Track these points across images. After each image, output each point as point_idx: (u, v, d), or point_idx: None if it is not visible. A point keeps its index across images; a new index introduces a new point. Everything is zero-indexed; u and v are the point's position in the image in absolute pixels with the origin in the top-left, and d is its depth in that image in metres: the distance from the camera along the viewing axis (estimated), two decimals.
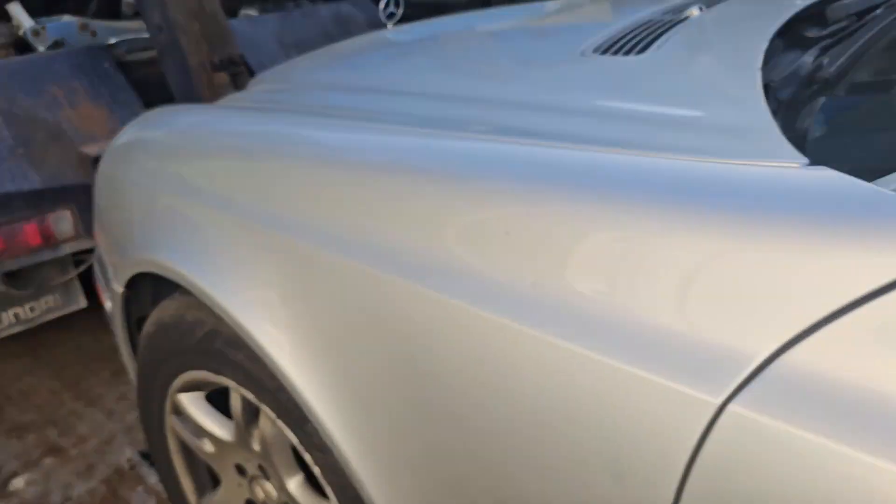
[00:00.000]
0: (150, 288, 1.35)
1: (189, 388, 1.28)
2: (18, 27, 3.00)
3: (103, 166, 1.44)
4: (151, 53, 3.18)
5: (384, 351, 0.84)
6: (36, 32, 2.98)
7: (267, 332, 0.93)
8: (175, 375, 1.27)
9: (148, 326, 1.28)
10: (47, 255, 2.58)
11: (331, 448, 0.95)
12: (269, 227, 0.94)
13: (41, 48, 2.98)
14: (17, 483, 2.20)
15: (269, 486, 1.25)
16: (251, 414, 1.17)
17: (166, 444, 1.40)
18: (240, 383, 1.12)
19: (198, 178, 1.10)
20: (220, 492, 1.36)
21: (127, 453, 2.27)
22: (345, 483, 0.96)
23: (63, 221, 2.58)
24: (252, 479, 1.28)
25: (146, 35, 3.23)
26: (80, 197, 2.58)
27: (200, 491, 1.43)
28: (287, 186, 0.95)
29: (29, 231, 2.52)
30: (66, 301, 2.82)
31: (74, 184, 2.56)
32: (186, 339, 1.17)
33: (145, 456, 1.76)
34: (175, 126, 1.33)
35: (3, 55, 2.87)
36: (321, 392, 0.91)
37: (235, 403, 1.16)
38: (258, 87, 1.75)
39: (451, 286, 0.76)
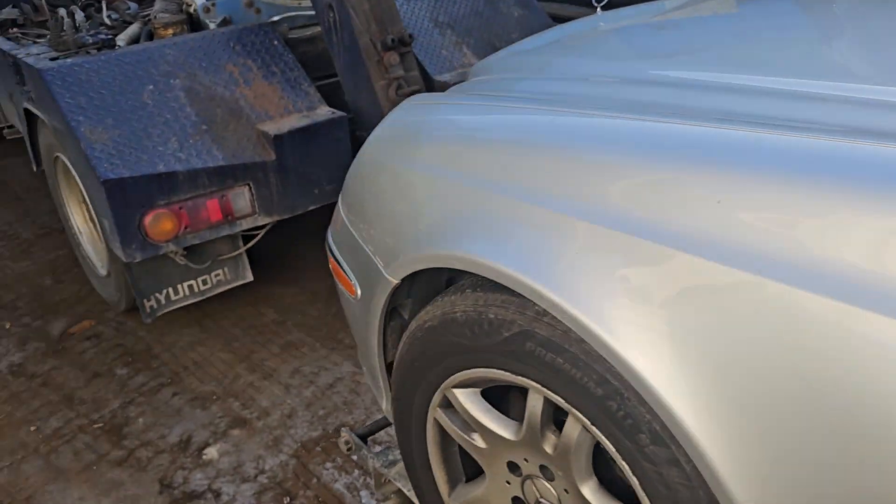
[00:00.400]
0: (410, 280, 1.35)
1: (467, 384, 1.27)
2: (189, 4, 3.05)
3: (371, 155, 1.43)
4: (313, 31, 3.21)
5: (788, 371, 0.80)
6: (207, 9, 3.02)
7: (633, 344, 0.90)
8: (455, 371, 1.26)
9: (426, 320, 1.28)
10: (225, 231, 2.64)
11: (687, 463, 0.92)
12: (638, 235, 0.90)
13: (212, 25, 3.02)
14: (211, 453, 2.27)
15: (547, 487, 1.24)
16: (548, 416, 1.16)
17: (423, 434, 1.40)
18: (549, 387, 1.10)
19: (519, 174, 1.08)
20: (483, 486, 1.35)
21: (316, 430, 2.31)
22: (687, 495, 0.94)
23: (241, 198, 2.63)
24: (527, 478, 1.27)
25: (306, 12, 3.26)
26: (256, 174, 2.62)
27: (453, 483, 1.43)
28: (664, 193, 0.91)
29: (211, 207, 2.58)
30: (234, 275, 2.89)
31: (253, 161, 2.60)
32: (485, 337, 1.15)
33: (363, 438, 1.78)
34: (462, 117, 1.30)
35: (178, 31, 2.93)
36: (697, 410, 0.87)
37: (535, 405, 1.14)
38: (487, 76, 1.71)
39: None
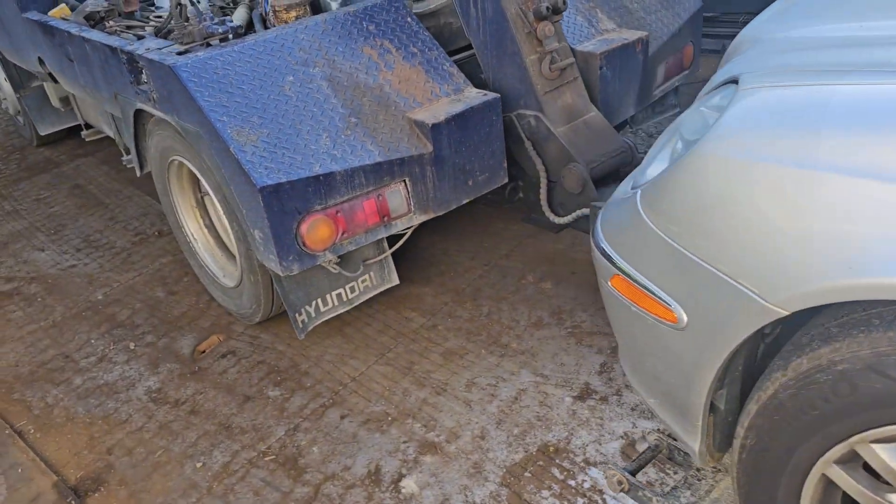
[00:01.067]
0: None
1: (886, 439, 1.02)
2: None
3: (723, 155, 1.16)
4: (436, 3, 2.91)
5: None
6: None
7: None
8: (882, 424, 1.01)
9: (835, 361, 1.03)
10: (381, 234, 2.39)
11: None
12: None
13: (334, 5, 2.73)
14: (409, 486, 2.05)
15: None
16: None
17: (796, 490, 1.16)
18: None
19: None
20: None
21: (518, 453, 2.07)
22: None
23: (396, 196, 2.37)
24: None
25: None
26: (413, 168, 2.36)
27: None
28: None
29: (367, 209, 2.33)
30: (381, 279, 2.65)
31: (410, 155, 2.33)
32: None
33: (633, 473, 1.55)
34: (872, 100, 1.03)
35: (301, 14, 2.64)
36: None
37: None
38: (779, 50, 1.42)
39: None
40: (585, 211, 2.50)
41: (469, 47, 2.87)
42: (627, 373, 1.58)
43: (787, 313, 1.07)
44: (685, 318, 1.24)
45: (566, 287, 2.78)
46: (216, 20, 2.52)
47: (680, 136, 1.36)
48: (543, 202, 2.63)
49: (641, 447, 1.98)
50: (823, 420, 1.07)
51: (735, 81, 1.28)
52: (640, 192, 1.33)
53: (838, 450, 1.08)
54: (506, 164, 2.59)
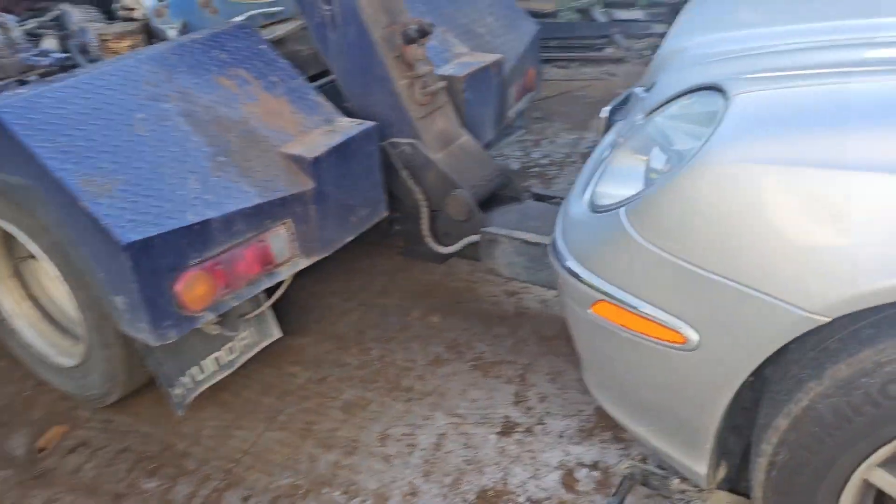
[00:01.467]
0: None
1: None
2: (132, 8, 2.40)
3: (730, 162, 1.09)
4: (284, 29, 2.69)
5: None
6: (160, 13, 2.40)
7: None
8: None
9: (885, 364, 1.00)
10: (264, 284, 2.13)
11: None
12: None
13: (171, 32, 2.41)
14: None
15: None
16: None
17: (831, 493, 1.13)
18: None
19: None
20: None
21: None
22: None
23: (279, 240, 2.13)
24: None
25: (270, 9, 2.74)
26: (295, 208, 2.14)
27: None
28: None
29: (249, 257, 2.06)
30: (262, 335, 2.37)
31: (291, 193, 2.10)
32: None
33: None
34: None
35: (135, 43, 2.29)
36: None
37: None
38: (714, 60, 1.42)
39: None
40: (475, 238, 2.41)
41: (321, 75, 2.69)
42: (606, 405, 1.50)
43: (828, 320, 1.03)
44: (696, 337, 1.17)
45: (455, 318, 2.67)
46: (35, 51, 2.12)
47: (658, 147, 1.30)
48: (426, 233, 2.51)
49: (617, 479, 1.88)
50: (871, 424, 1.05)
51: (709, 88, 1.25)
52: (624, 211, 1.25)
53: (884, 452, 1.07)
54: (386, 197, 2.43)
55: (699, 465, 1.31)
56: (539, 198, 2.64)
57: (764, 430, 1.17)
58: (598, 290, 1.30)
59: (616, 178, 1.39)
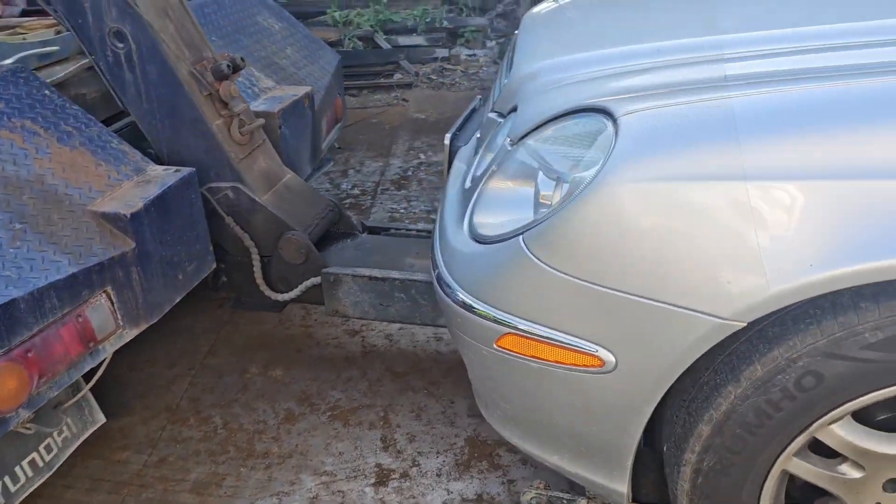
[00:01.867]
0: None
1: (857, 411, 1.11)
2: None
3: (639, 184, 1.08)
4: (64, 72, 2.36)
5: None
6: None
7: None
8: (845, 401, 1.08)
9: (796, 359, 1.06)
10: (87, 365, 1.84)
11: None
12: None
13: None
14: None
15: None
16: None
17: (754, 490, 1.17)
18: None
19: None
20: None
21: None
22: None
23: (100, 312, 1.85)
24: None
25: (41, 49, 2.40)
26: (115, 273, 1.87)
27: None
28: None
29: (67, 337, 1.77)
30: (83, 424, 2.04)
31: (109, 257, 1.84)
32: None
33: None
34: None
35: None
36: None
37: None
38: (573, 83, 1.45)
39: None
40: (315, 280, 2.27)
41: (115, 118, 2.41)
42: (514, 439, 1.45)
43: (744, 324, 1.07)
44: (612, 359, 1.17)
45: (299, 368, 2.50)
46: None
47: (542, 172, 1.28)
48: (260, 281, 2.32)
49: None
50: (789, 417, 1.11)
51: (589, 110, 1.26)
52: (524, 238, 1.22)
53: (799, 442, 1.13)
54: (212, 248, 2.22)
55: (619, 485, 1.31)
56: (372, 231, 2.56)
57: (684, 439, 1.20)
58: (502, 323, 1.25)
59: (494, 206, 1.36)
